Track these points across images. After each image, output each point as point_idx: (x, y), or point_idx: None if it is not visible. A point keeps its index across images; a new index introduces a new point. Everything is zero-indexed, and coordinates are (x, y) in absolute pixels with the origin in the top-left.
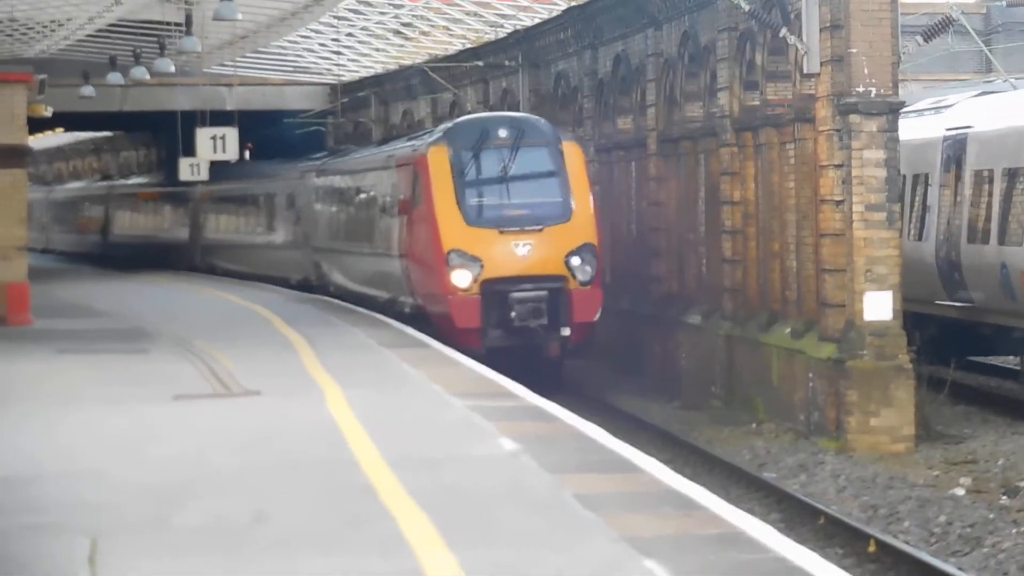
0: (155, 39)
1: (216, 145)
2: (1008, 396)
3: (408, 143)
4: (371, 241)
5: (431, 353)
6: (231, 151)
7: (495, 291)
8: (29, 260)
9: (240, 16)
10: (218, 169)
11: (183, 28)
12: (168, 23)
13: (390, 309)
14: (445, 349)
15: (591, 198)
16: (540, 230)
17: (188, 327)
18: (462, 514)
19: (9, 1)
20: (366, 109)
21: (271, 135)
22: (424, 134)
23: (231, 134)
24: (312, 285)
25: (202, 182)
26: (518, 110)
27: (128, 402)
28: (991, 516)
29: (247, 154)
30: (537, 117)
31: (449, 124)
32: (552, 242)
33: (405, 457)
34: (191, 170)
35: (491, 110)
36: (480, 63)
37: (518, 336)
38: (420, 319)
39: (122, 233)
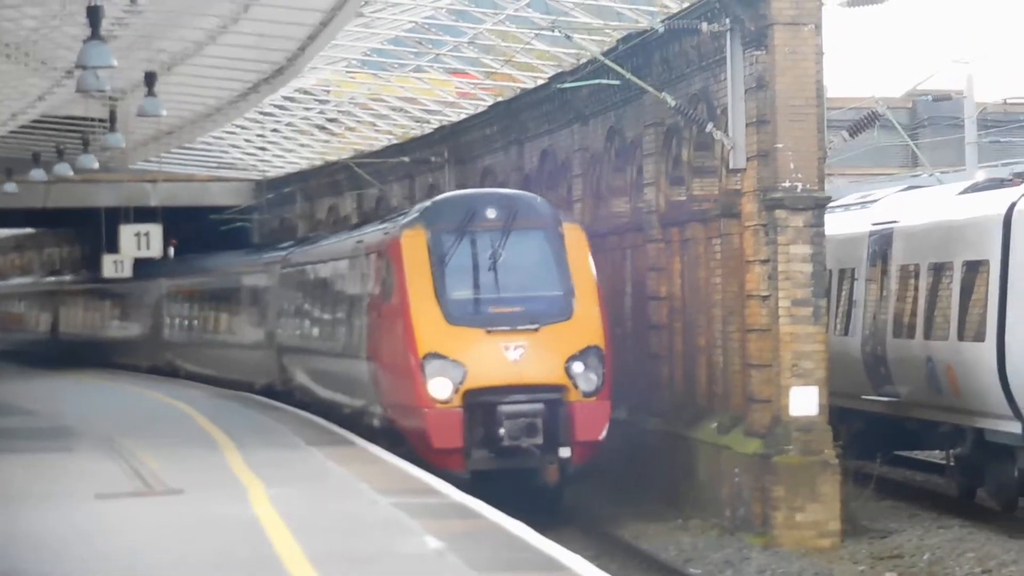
0: (79, 135)
1: (140, 241)
2: (934, 491)
3: (381, 226)
4: (337, 341)
5: (357, 451)
6: (155, 248)
7: (481, 403)
8: None
9: (165, 112)
10: (181, 261)
11: (107, 124)
12: (92, 119)
13: (357, 422)
14: (370, 447)
15: (597, 291)
16: (536, 330)
17: (113, 425)
18: None
19: None
20: (291, 205)
21: (196, 231)
22: (399, 215)
23: (155, 231)
24: (277, 391)
25: (164, 276)
26: None
27: (52, 500)
28: None
29: (171, 251)
30: (532, 195)
31: (428, 203)
32: (550, 344)
33: (330, 555)
34: (115, 267)
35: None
36: (406, 159)
37: (508, 458)
38: (391, 435)
39: (72, 331)
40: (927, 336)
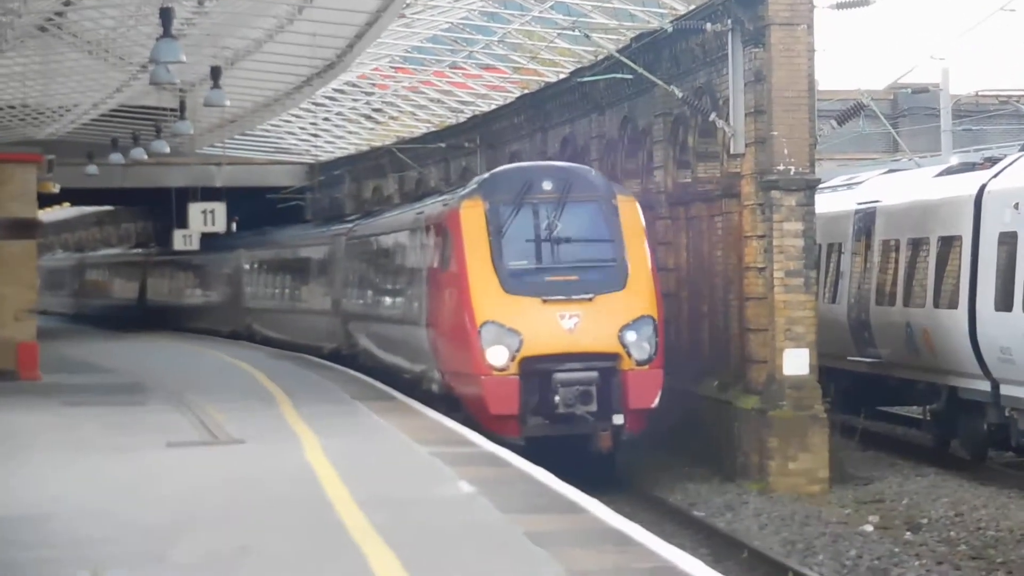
0: (152, 123)
1: (206, 218)
2: (912, 442)
3: (440, 198)
4: (398, 309)
5: (398, 405)
6: (220, 224)
7: (537, 371)
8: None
9: (228, 102)
10: (259, 234)
11: (177, 113)
12: (164, 108)
13: (417, 388)
14: (410, 402)
15: (651, 262)
16: (590, 299)
17: (183, 382)
18: (424, 550)
19: (22, 88)
20: (340, 185)
21: (255, 209)
22: (459, 188)
23: (220, 208)
24: (343, 355)
25: (244, 247)
26: None
27: (127, 449)
28: (896, 550)
29: (234, 226)
30: (587, 167)
31: (485, 175)
32: (604, 314)
33: (373, 498)
34: (184, 240)
35: (451, 187)
36: (442, 144)
37: (563, 424)
38: (448, 401)
39: (159, 298)
40: (906, 304)
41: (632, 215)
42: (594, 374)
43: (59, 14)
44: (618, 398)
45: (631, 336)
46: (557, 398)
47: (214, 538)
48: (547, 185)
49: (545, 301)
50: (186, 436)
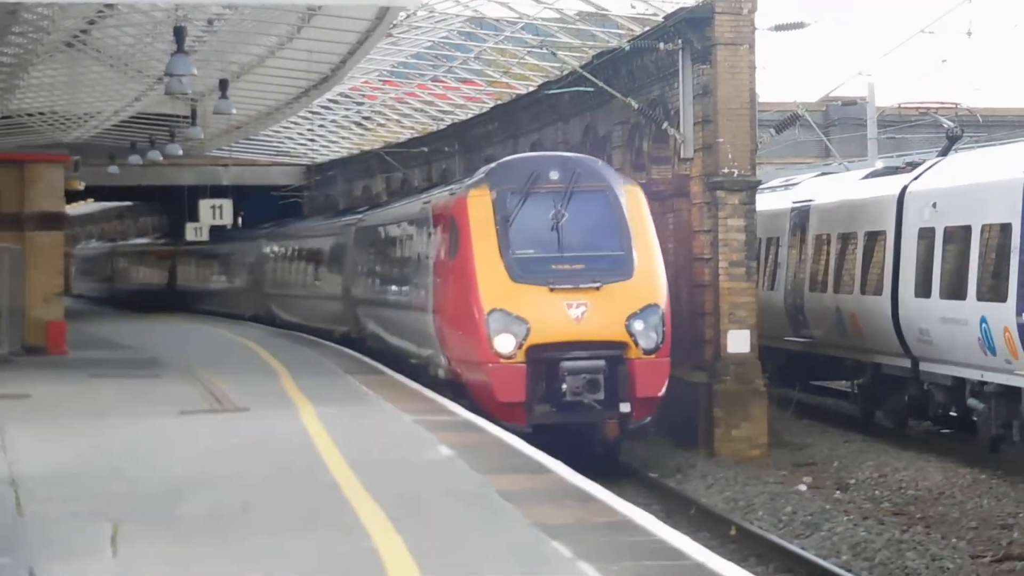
0: (167, 128)
1: (215, 213)
2: (841, 412)
3: (447, 188)
4: (405, 296)
5: (385, 379)
6: (227, 218)
7: (543, 359)
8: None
9: (234, 111)
10: (278, 224)
11: (189, 119)
12: (177, 115)
13: (423, 372)
14: (395, 375)
15: (657, 251)
16: (597, 288)
17: (193, 357)
18: (408, 506)
19: (51, 97)
20: (334, 184)
21: (259, 205)
22: (465, 178)
23: (227, 204)
24: (352, 339)
25: (262, 237)
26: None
27: (143, 416)
28: (827, 507)
29: (239, 221)
30: (594, 158)
31: (492, 165)
32: (611, 302)
33: (363, 460)
34: (195, 232)
35: (432, 187)
36: (425, 149)
37: (570, 413)
38: (455, 387)
39: (186, 284)
40: (836, 291)
41: (638, 205)
42: (601, 363)
43: (84, 31)
44: (625, 387)
45: (638, 325)
46: (564, 386)
47: (220, 496)
48: (554, 175)
49: (552, 290)
50: (196, 405)
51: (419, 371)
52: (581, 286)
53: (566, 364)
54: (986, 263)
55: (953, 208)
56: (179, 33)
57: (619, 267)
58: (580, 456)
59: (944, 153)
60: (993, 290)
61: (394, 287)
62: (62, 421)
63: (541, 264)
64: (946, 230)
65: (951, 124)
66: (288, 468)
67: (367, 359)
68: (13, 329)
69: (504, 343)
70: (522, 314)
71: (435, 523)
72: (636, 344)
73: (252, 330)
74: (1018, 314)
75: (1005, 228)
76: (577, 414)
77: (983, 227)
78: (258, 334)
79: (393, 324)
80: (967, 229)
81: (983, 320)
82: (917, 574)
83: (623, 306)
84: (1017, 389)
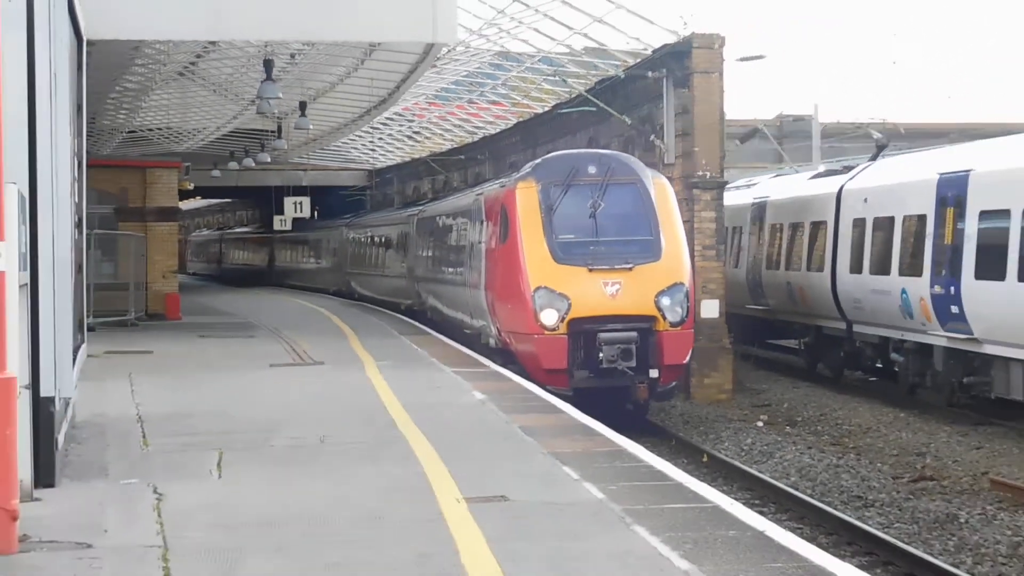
0: (258, 140)
1: (296, 208)
2: (791, 365)
3: (498, 181)
4: (460, 274)
5: (431, 339)
6: (305, 212)
7: (583, 331)
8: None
9: (311, 126)
10: (357, 215)
11: (275, 133)
12: (266, 130)
13: (476, 341)
14: (439, 336)
15: (682, 236)
16: (630, 269)
17: (280, 322)
18: (449, 439)
19: (167, 116)
20: (390, 185)
21: (331, 201)
22: (514, 172)
23: (306, 201)
24: (415, 311)
25: (345, 226)
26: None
27: (241, 369)
28: (779, 439)
29: (315, 214)
30: (626, 154)
31: (538, 160)
32: (642, 281)
33: (414, 403)
34: (280, 223)
35: (476, 184)
36: (462, 156)
37: (606, 378)
38: (504, 355)
39: (282, 265)
40: (787, 268)
41: (665, 195)
42: (633, 334)
43: (192, 64)
44: (654, 355)
45: (665, 301)
46: (601, 355)
47: (301, 430)
48: (592, 169)
49: (591, 270)
50: (282, 359)
51: (472, 340)
52: (616, 267)
53: (602, 335)
54: (906, 246)
55: (880, 202)
56: (268, 65)
57: (648, 250)
58: (613, 415)
59: (873, 159)
60: (911, 267)
61: (450, 267)
62: (177, 372)
63: (580, 247)
64: (875, 220)
65: (879, 135)
66: (355, 409)
67: (420, 325)
68: (139, 299)
69: (548, 317)
70: (564, 291)
71: (471, 452)
72: (664, 318)
73: (331, 302)
74: (931, 287)
75: (921, 218)
76: (612, 379)
77: (904, 217)
78: (335, 305)
79: (450, 298)
80: (891, 219)
81: (903, 291)
82: (850, 491)
83: (652, 284)
84: (929, 346)
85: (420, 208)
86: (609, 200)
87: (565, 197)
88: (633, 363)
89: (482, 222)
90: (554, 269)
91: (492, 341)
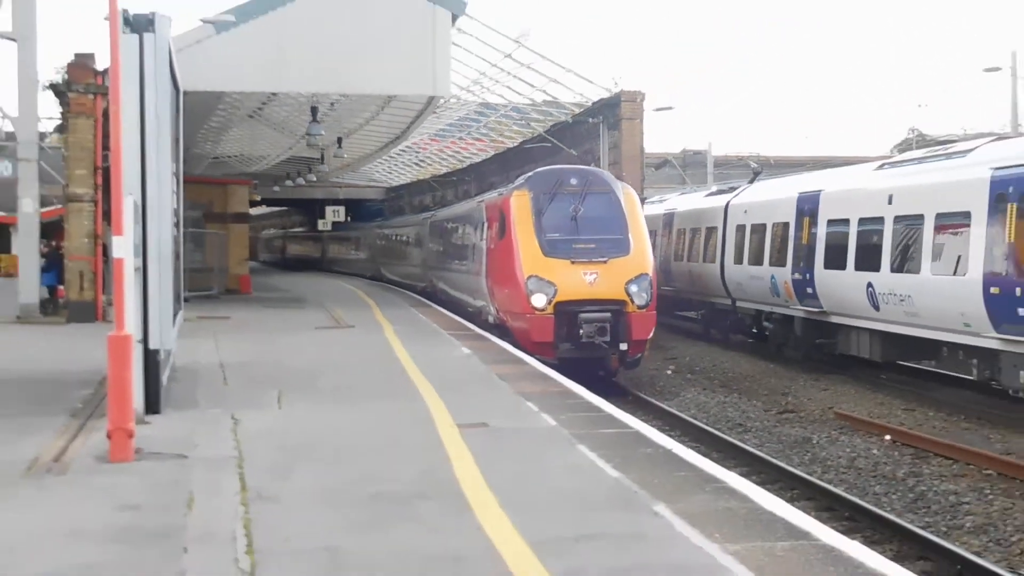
0: (307, 165)
1: (335, 214)
2: (692, 330)
3: (496, 191)
4: (465, 265)
5: (432, 310)
6: (341, 217)
7: (566, 311)
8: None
9: (346, 156)
10: (385, 218)
11: (320, 160)
12: (313, 157)
13: (477, 317)
14: (438, 308)
15: (646, 235)
16: (605, 262)
17: (323, 297)
18: (446, 381)
19: (240, 146)
20: (402, 199)
21: (360, 210)
22: (509, 184)
23: (342, 209)
24: (427, 291)
25: (376, 227)
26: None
27: (293, 330)
28: (683, 382)
29: (348, 219)
30: (601, 169)
31: (530, 174)
32: (614, 272)
33: (420, 356)
34: (323, 225)
35: (464, 199)
36: (454, 178)
37: (585, 350)
38: (501, 330)
39: (331, 255)
40: (690, 260)
41: (632, 202)
42: (607, 314)
43: (259, 109)
44: (624, 332)
45: (633, 288)
46: (581, 331)
47: (338, 376)
48: (573, 181)
49: (573, 262)
50: (324, 324)
51: (472, 316)
52: (593, 260)
53: (582, 315)
54: (775, 245)
55: (756, 213)
56: (314, 110)
57: (619, 247)
58: (589, 379)
59: (751, 182)
60: (778, 260)
61: (456, 259)
62: (247, 332)
63: (564, 244)
64: (752, 226)
65: (755, 165)
66: (376, 360)
67: (427, 301)
68: (221, 279)
69: (539, 300)
70: (551, 279)
71: (460, 391)
72: (632, 301)
73: (363, 283)
74: (792, 274)
75: (786, 225)
76: (590, 351)
77: (773, 224)
78: (366, 286)
79: (455, 283)
80: (764, 225)
81: (772, 277)
82: (734, 420)
83: (622, 274)
84: (791, 316)
85: (432, 213)
86: (587, 206)
87: (552, 203)
88: (607, 338)
89: (483, 223)
90: (543, 261)
91: (491, 318)
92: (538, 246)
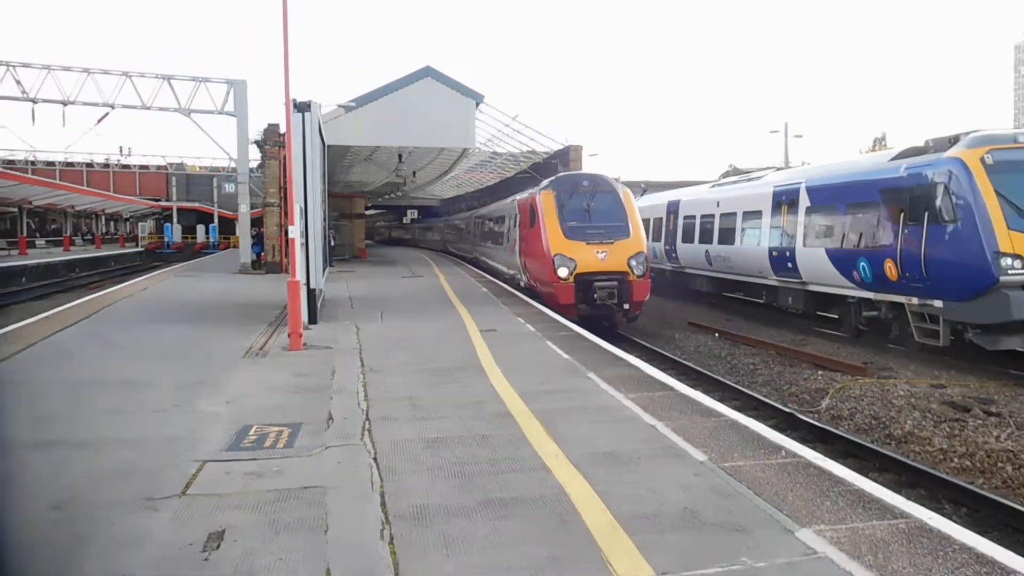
0: (396, 187)
1: (412, 216)
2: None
3: (528, 191)
4: (501, 244)
5: (471, 270)
6: (416, 216)
7: (584, 280)
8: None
9: (417, 182)
10: (448, 214)
11: (403, 184)
12: (399, 182)
13: (511, 282)
14: (476, 269)
15: (640, 224)
16: (612, 243)
17: (408, 261)
18: (502, 344)
19: (359, 176)
20: (449, 205)
21: (425, 212)
22: (536, 185)
23: (416, 212)
24: (472, 261)
25: (441, 221)
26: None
27: (389, 277)
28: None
29: (421, 217)
30: (606, 174)
31: (552, 178)
32: (619, 250)
33: (485, 328)
34: (406, 220)
35: (499, 199)
36: (477, 195)
37: (599, 309)
38: (531, 294)
39: (417, 239)
40: (656, 240)
41: (629, 199)
42: (615, 282)
43: (369, 156)
44: (627, 295)
45: (633, 262)
46: (595, 295)
47: (412, 305)
48: (586, 183)
49: (588, 243)
50: (407, 275)
51: (502, 277)
52: (603, 242)
53: (596, 283)
54: (657, 229)
55: (646, 212)
56: (400, 156)
57: (622, 231)
58: (600, 329)
59: (642, 195)
60: (657, 238)
61: (492, 240)
62: (364, 279)
63: (581, 229)
64: (643, 220)
65: (643, 186)
66: (434, 294)
67: (470, 266)
68: (350, 251)
69: (563, 272)
70: (572, 256)
71: (506, 343)
72: (632, 272)
73: (434, 254)
74: (664, 246)
75: (659, 219)
76: (602, 310)
77: (654, 219)
78: (434, 255)
79: (492, 256)
80: (649, 220)
81: (654, 247)
82: (641, 330)
83: (625, 252)
84: (664, 270)
85: (475, 211)
86: (597, 201)
87: (570, 199)
88: (615, 300)
89: (516, 215)
90: (565, 243)
91: (522, 283)
92: (561, 231)
